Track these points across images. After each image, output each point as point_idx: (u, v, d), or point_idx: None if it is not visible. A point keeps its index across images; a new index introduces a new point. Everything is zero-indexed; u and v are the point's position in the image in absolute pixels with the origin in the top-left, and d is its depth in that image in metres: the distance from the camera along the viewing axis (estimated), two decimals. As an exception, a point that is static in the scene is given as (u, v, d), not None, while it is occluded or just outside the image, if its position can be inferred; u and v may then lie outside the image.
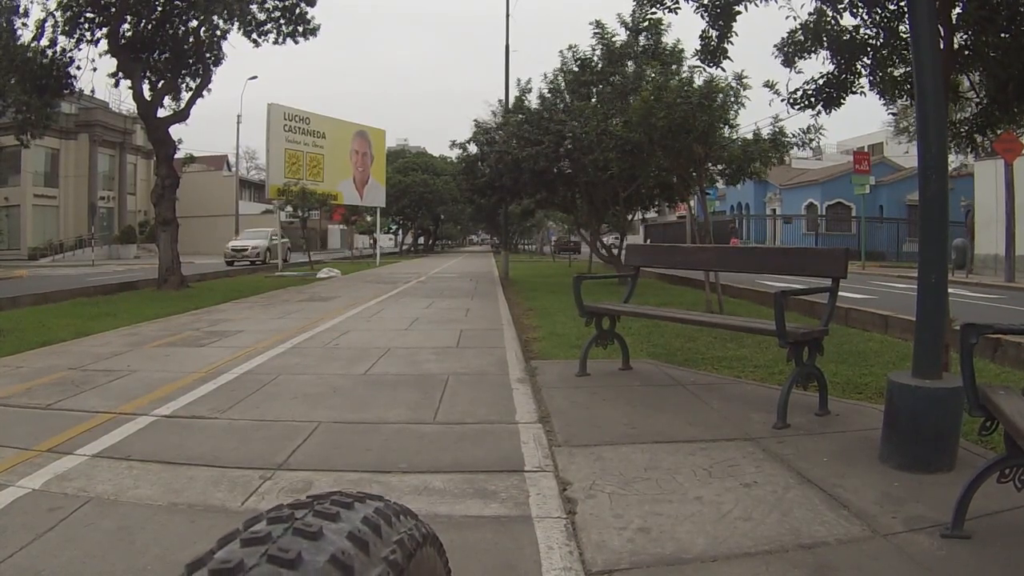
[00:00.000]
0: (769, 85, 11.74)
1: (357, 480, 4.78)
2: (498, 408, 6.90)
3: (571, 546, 3.82)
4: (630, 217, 29.10)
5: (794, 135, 15.36)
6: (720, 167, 17.97)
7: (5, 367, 9.32)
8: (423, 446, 5.64)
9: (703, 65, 12.00)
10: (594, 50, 23.54)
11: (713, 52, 10.85)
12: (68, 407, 7.01)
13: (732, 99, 15.57)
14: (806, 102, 10.30)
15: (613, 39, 23.14)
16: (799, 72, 10.37)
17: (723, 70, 12.20)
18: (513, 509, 4.36)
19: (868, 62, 9.84)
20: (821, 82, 10.15)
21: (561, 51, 24.59)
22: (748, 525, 4.02)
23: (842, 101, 10.22)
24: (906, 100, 11.00)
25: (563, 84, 25.15)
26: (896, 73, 9.90)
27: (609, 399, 7.22)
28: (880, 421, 5.37)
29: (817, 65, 10.37)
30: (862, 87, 10.08)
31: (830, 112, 10.41)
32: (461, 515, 4.26)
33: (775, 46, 10.41)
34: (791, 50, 10.21)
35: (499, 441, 5.78)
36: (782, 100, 10.62)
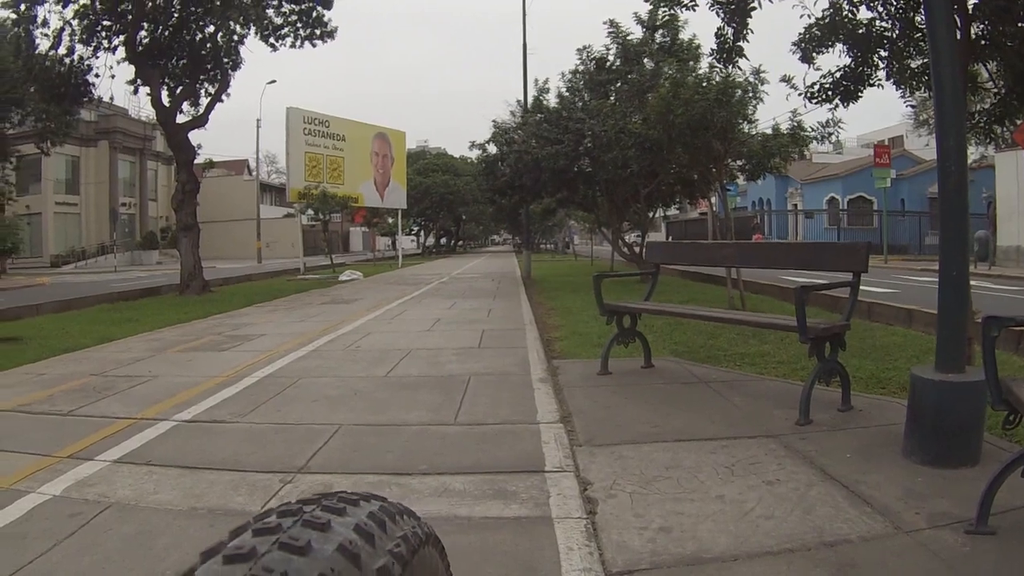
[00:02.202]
0: (786, 80, 11.71)
1: (377, 482, 4.76)
2: (519, 408, 6.88)
3: (591, 547, 3.79)
4: (651, 215, 29.04)
5: (813, 129, 15.26)
6: (740, 163, 17.91)
7: (27, 374, 9.39)
8: (444, 447, 5.63)
9: (719, 65, 11.95)
10: (608, 49, 23.52)
11: (728, 51, 10.79)
12: (89, 413, 7.05)
13: (750, 94, 15.50)
14: (823, 96, 10.22)
15: (628, 37, 23.11)
16: (817, 69, 10.29)
17: (740, 69, 12.15)
18: (533, 510, 4.33)
19: (885, 54, 9.76)
20: (838, 75, 10.07)
21: (578, 49, 24.60)
22: (770, 523, 3.99)
23: (860, 94, 10.14)
24: (924, 92, 10.90)
25: (581, 83, 25.06)
26: (913, 65, 9.82)
27: (631, 398, 7.18)
28: (904, 416, 5.30)
29: (835, 59, 10.30)
30: (879, 79, 10.00)
31: (848, 105, 10.33)
32: (481, 516, 4.24)
33: (793, 43, 10.33)
34: (808, 46, 10.14)
35: (520, 441, 5.76)
36: (799, 95, 10.55)
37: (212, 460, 5.39)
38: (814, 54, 10.17)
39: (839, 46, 9.96)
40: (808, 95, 10.36)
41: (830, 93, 10.20)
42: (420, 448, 5.62)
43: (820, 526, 3.94)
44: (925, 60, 9.18)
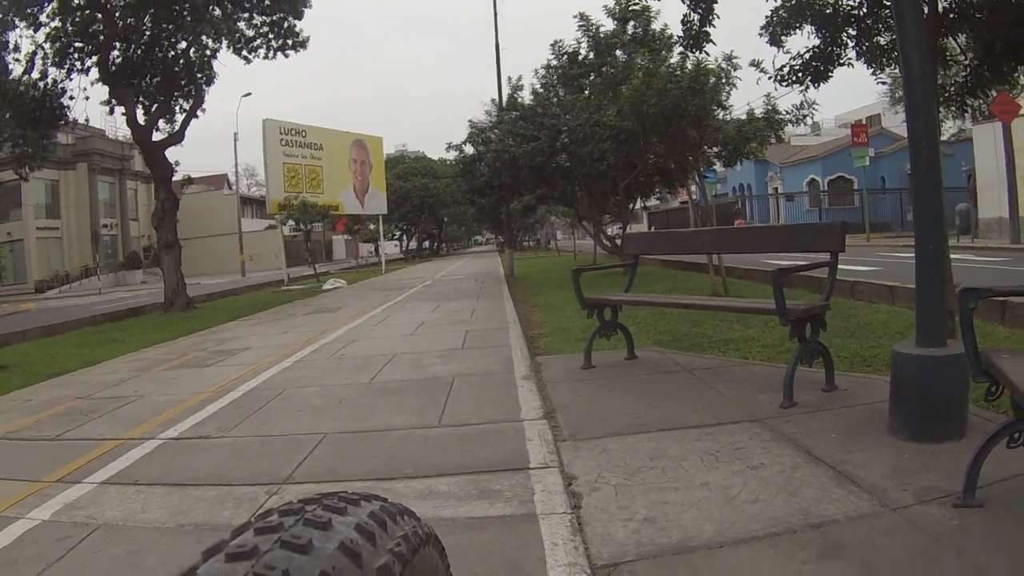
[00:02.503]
0: (756, 64, 11.72)
1: (362, 488, 4.69)
2: (503, 407, 6.85)
3: (576, 541, 3.77)
4: (632, 206, 29.06)
5: (787, 112, 15.30)
6: (716, 149, 17.93)
7: (14, 401, 9.40)
8: (428, 450, 5.61)
9: (687, 52, 11.94)
10: (579, 43, 23.52)
11: (696, 37, 10.76)
12: (76, 436, 7.03)
13: (723, 81, 15.49)
14: (794, 78, 10.22)
15: (600, 29, 23.07)
16: (787, 52, 10.28)
17: (707, 54, 12.15)
18: (518, 508, 4.31)
19: (853, 33, 9.76)
20: (807, 57, 10.06)
21: (551, 44, 24.57)
22: (756, 508, 3.97)
23: (830, 74, 10.13)
24: (895, 68, 10.90)
25: (555, 78, 25.06)
26: (882, 41, 9.82)
27: (614, 390, 7.16)
28: (888, 393, 5.28)
29: (804, 41, 10.29)
30: (849, 59, 10.00)
31: (818, 86, 10.32)
32: (466, 517, 4.22)
33: (761, 27, 10.33)
34: (776, 28, 10.13)
35: (504, 440, 5.74)
36: (770, 78, 10.55)
37: (198, 476, 5.37)
38: (782, 37, 10.16)
39: (807, 27, 9.95)
40: (778, 78, 10.36)
41: (800, 75, 10.19)
42: (405, 452, 5.60)
43: (806, 508, 3.92)
44: (894, 36, 9.18)
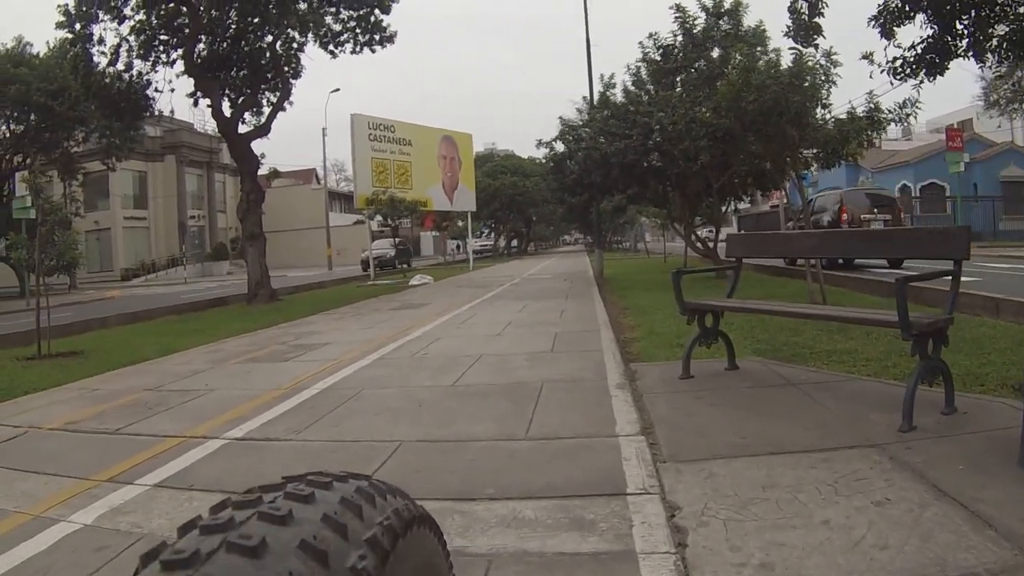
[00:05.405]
0: (867, 56, 11.06)
1: (438, 509, 4.20)
2: (596, 419, 6.31)
3: (683, 589, 3.21)
4: (723, 208, 28.57)
5: (890, 111, 14.56)
6: (814, 151, 17.24)
7: (82, 389, 9.28)
8: (513, 466, 5.10)
9: (797, 45, 11.35)
10: (676, 36, 22.91)
11: (806, 29, 10.19)
12: (137, 431, 6.77)
13: (822, 78, 14.83)
14: (908, 70, 9.59)
15: (695, 22, 22.49)
16: (898, 46, 9.69)
17: (816, 47, 11.54)
18: (614, 543, 3.75)
19: (967, 20, 9.14)
20: (921, 49, 9.44)
21: (641, 42, 24.05)
22: (886, 555, 3.39)
23: (946, 67, 9.52)
24: (1009, 61, 10.22)
25: (645, 75, 24.53)
26: (999, 31, 9.19)
27: (716, 404, 6.58)
28: (1014, 419, 4.77)
29: (914, 34, 9.70)
30: (963, 51, 9.38)
31: (933, 79, 9.74)
32: (555, 552, 3.68)
33: (870, 17, 9.76)
34: (887, 19, 9.53)
35: (597, 458, 5.18)
36: (882, 71, 9.93)
37: (259, 483, 4.91)
38: (894, 27, 9.57)
39: (920, 17, 9.35)
40: (892, 71, 9.74)
41: (914, 67, 9.58)
42: (487, 467, 5.11)
43: (942, 556, 3.34)
44: (1012, 26, 8.60)
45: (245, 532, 0.97)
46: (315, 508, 1.06)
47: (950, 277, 6.14)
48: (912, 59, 9.59)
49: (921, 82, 9.94)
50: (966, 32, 9.26)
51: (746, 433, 5.53)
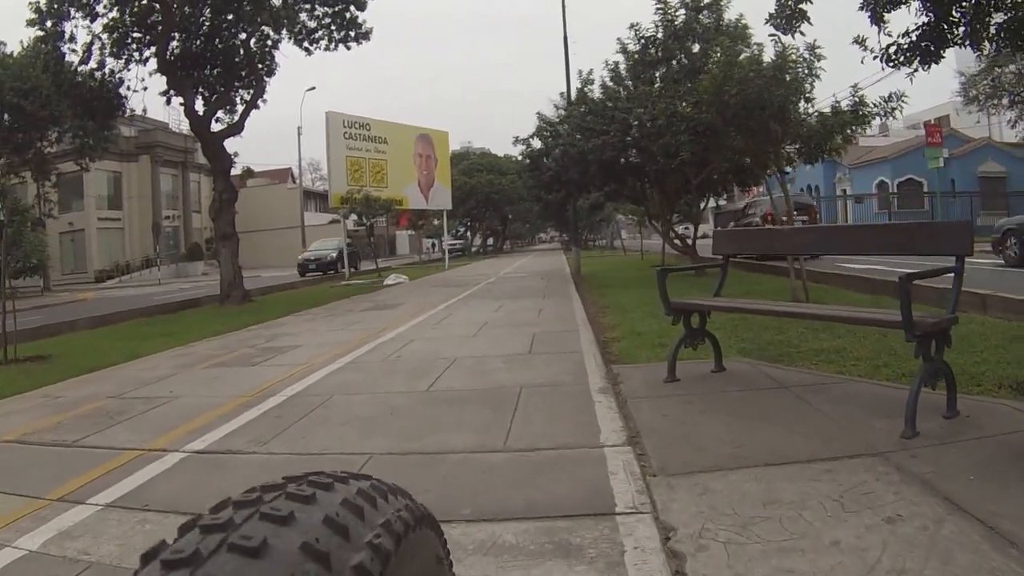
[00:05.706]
0: (859, 41, 10.78)
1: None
2: (579, 427, 5.96)
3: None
4: (701, 205, 28.56)
5: (875, 104, 14.36)
6: (797, 146, 17.02)
7: (44, 397, 8.97)
8: (491, 482, 4.74)
9: (778, 33, 11.09)
10: (657, 27, 22.72)
11: (789, 17, 9.90)
12: (95, 443, 6.42)
13: (806, 71, 14.59)
14: (902, 58, 9.32)
15: (677, 13, 22.33)
16: (888, 33, 9.43)
17: (803, 34, 11.27)
18: (605, 572, 3.37)
19: (965, 6, 8.89)
20: (915, 36, 9.18)
21: (619, 38, 23.96)
22: (905, 582, 3.06)
23: (942, 55, 9.27)
24: (1004, 49, 9.99)
25: (624, 70, 24.35)
26: (996, 20, 8.95)
27: (706, 410, 6.24)
28: (1021, 423, 4.66)
29: (906, 20, 9.44)
30: (959, 38, 9.13)
31: (928, 67, 9.46)
32: (539, 583, 3.32)
33: (863, 1, 9.49)
34: (878, 4, 9.27)
35: (582, 472, 4.82)
36: (875, 58, 9.66)
37: (216, 503, 4.59)
38: (885, 12, 9.31)
39: (914, 3, 9.10)
40: (885, 57, 9.47)
41: (908, 55, 9.31)
42: (464, 483, 4.75)
43: (965, 582, 3.01)
44: (1009, 15, 8.37)
45: (246, 532, 0.96)
46: (317, 509, 1.04)
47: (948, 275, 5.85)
48: (907, 45, 9.34)
49: (915, 70, 9.68)
50: (963, 20, 9.02)
51: (740, 442, 5.21)
